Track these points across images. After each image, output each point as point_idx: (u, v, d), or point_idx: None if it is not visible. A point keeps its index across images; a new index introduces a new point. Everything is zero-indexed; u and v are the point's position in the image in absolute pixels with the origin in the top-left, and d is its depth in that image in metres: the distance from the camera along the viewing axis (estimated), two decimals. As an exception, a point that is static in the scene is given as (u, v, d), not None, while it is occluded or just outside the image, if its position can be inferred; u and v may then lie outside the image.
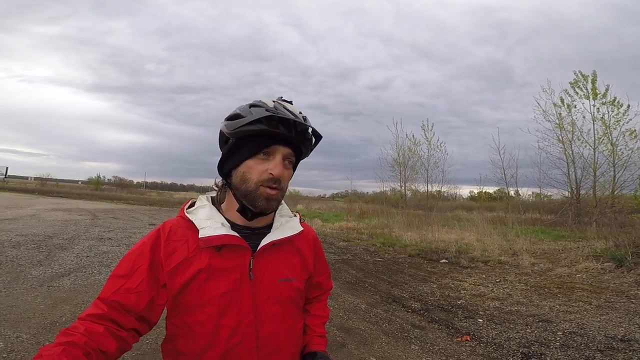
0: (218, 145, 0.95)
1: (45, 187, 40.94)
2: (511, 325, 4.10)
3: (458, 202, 25.66)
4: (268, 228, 0.95)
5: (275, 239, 0.92)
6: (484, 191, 25.69)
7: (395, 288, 5.71)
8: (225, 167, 0.91)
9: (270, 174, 0.85)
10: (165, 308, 0.89)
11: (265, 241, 0.91)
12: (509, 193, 18.99)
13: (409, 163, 21.17)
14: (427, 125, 20.96)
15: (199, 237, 0.85)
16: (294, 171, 0.96)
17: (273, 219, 0.97)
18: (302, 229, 1.00)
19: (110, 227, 11.10)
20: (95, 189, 43.68)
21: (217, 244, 0.86)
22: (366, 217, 16.60)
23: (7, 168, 53.35)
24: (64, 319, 3.61)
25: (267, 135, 0.85)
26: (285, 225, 0.97)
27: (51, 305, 3.94)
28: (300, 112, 0.91)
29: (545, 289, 5.62)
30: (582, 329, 3.93)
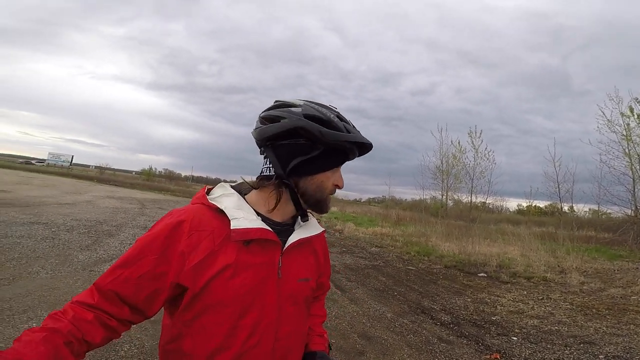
0: (270, 136, 0.86)
1: (103, 175, 44.19)
2: (548, 346, 3.80)
3: (504, 215, 24.20)
4: (292, 225, 0.94)
5: (303, 237, 0.91)
6: (533, 205, 24.09)
7: (426, 299, 5.51)
8: (299, 169, 0.86)
9: (337, 185, 0.90)
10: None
11: (294, 238, 0.89)
12: (562, 208, 17.64)
13: (452, 171, 20.22)
14: (475, 132, 19.81)
15: (232, 227, 0.80)
16: None
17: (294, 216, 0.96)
18: (323, 229, 1.00)
19: (155, 216, 11.47)
20: (147, 179, 46.34)
21: (252, 238, 0.81)
22: (402, 224, 16.21)
23: (72, 156, 59.55)
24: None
25: (348, 152, 0.89)
26: (307, 223, 0.95)
27: (89, 290, 4.20)
28: None
29: (593, 310, 5.14)
30: (628, 353, 3.57)
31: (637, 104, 13.73)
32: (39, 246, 5.77)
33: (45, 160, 57.99)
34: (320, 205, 0.89)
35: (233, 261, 0.79)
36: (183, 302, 0.80)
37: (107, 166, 59.88)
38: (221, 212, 0.83)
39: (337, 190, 0.93)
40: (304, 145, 0.84)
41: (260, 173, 0.90)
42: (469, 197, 19.89)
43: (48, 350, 0.65)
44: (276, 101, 0.91)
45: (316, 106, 0.87)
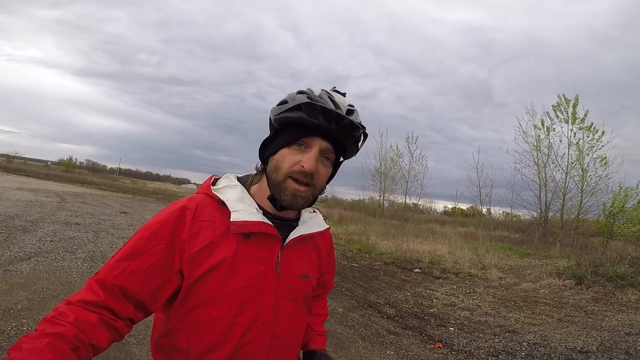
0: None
1: (11, 164, 38.78)
2: (480, 335, 4.32)
3: (432, 216, 26.38)
4: (295, 220, 0.91)
5: (305, 233, 0.87)
6: (457, 207, 26.54)
7: (371, 294, 5.85)
8: (266, 153, 0.86)
9: (302, 166, 0.78)
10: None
11: (295, 234, 0.85)
12: (481, 211, 19.69)
13: (389, 174, 21.50)
14: (412, 138, 21.29)
15: (231, 220, 0.77)
16: (334, 170, 0.90)
17: (300, 212, 0.93)
18: (327, 226, 0.96)
19: (78, 211, 10.49)
20: (66, 170, 41.67)
21: (251, 231, 0.78)
22: (344, 223, 16.78)
23: (-32, 142, 50.55)
24: (19, 306, 3.36)
25: (306, 124, 0.78)
26: (312, 220, 0.93)
27: (6, 291, 3.64)
28: (352, 105, 0.84)
29: (512, 302, 5.91)
30: (545, 340, 4.18)
31: (548, 118, 15.74)
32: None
33: None
34: (276, 190, 0.80)
35: (232, 254, 0.77)
36: (180, 294, 0.77)
37: (17, 155, 52.36)
38: (224, 204, 0.81)
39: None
40: (272, 131, 0.86)
41: None
42: (404, 198, 21.31)
43: (56, 357, 0.58)
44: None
45: (298, 93, 0.83)
